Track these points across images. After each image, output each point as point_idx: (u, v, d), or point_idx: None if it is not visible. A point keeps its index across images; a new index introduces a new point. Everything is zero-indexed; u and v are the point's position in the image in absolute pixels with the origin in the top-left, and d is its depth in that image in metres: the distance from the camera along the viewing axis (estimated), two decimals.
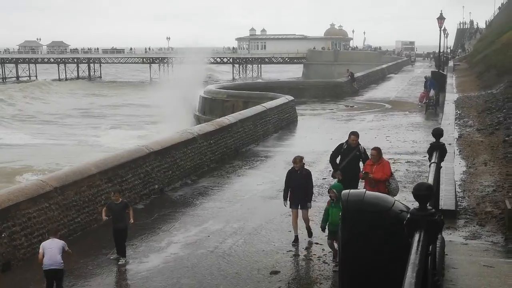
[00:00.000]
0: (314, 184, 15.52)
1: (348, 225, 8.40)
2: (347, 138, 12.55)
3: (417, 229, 3.44)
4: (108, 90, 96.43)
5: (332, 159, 12.54)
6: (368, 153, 11.94)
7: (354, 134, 12.48)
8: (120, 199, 10.40)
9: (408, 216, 3.54)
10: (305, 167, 11.24)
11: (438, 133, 6.42)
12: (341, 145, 12.63)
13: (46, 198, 11.01)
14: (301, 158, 11.18)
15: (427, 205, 3.54)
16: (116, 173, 13.46)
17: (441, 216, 6.14)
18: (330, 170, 16.94)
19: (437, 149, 6.02)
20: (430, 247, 3.93)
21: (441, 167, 6.35)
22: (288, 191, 11.14)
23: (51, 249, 8.67)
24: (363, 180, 11.29)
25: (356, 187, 11.67)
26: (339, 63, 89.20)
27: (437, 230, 3.64)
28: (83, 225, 12.05)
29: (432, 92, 30.82)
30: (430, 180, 4.85)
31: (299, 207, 11.02)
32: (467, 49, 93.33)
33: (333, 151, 12.67)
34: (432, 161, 5.69)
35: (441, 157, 6.07)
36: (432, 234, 3.52)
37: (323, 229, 9.97)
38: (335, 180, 12.18)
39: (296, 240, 11.03)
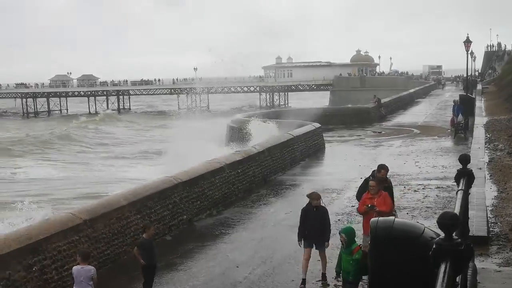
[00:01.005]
0: (342, 211, 15.51)
1: (377, 252, 8.34)
2: (375, 171, 11.89)
3: (443, 259, 3.38)
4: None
5: (359, 195, 11.64)
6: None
7: (384, 169, 11.85)
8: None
9: (434, 246, 3.50)
10: (324, 200, 10.87)
11: (465, 159, 6.35)
12: (368, 179, 11.80)
13: (76, 231, 11.12)
14: (319, 195, 10.59)
15: (453, 234, 3.49)
16: (145, 205, 13.54)
17: (471, 244, 6.05)
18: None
19: (465, 176, 5.94)
20: (459, 276, 3.86)
21: (469, 193, 6.25)
22: (303, 230, 10.50)
23: (81, 282, 8.71)
24: (363, 215, 10.56)
25: None
26: (366, 89, 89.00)
27: (464, 260, 3.59)
28: (112, 258, 12.11)
29: (460, 117, 30.56)
30: (457, 208, 4.79)
31: (314, 247, 10.48)
32: (497, 71, 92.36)
33: (360, 186, 11.93)
34: (460, 188, 5.61)
35: (469, 184, 5.99)
36: (459, 264, 3.46)
37: (337, 274, 9.40)
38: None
39: (303, 283, 10.35)
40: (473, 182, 6.20)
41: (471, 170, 6.24)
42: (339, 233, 9.13)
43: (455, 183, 15.70)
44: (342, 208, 15.93)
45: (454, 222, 3.53)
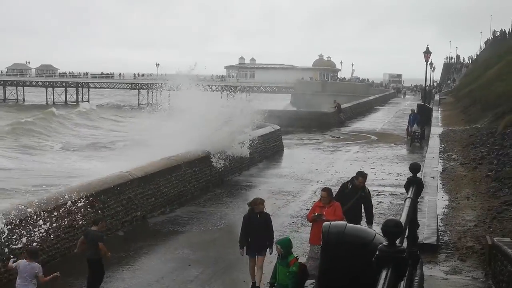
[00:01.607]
0: (297, 214, 15.57)
1: (328, 256, 8.41)
2: (353, 178, 11.55)
3: (385, 266, 3.43)
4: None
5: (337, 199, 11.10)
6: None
7: (362, 176, 11.54)
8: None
9: (377, 252, 3.54)
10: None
11: (415, 168, 6.46)
12: (345, 185, 11.61)
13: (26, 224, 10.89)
14: (263, 200, 10.17)
15: (396, 241, 3.54)
16: (98, 199, 13.36)
17: (417, 251, 6.18)
18: (314, 201, 16.99)
19: (414, 184, 6.04)
20: (405, 283, 3.92)
21: (418, 201, 6.36)
22: (245, 237, 10.05)
23: (25, 277, 8.59)
24: (311, 222, 10.15)
25: None
26: (327, 94, 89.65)
27: (406, 267, 3.64)
28: (62, 252, 11.91)
29: (415, 127, 31.11)
30: (404, 216, 4.86)
31: (257, 255, 9.99)
32: (457, 82, 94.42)
33: (337, 193, 11.40)
34: (408, 196, 5.70)
35: (418, 192, 6.09)
36: (400, 271, 3.51)
37: (271, 286, 8.92)
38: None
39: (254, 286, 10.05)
40: (422, 190, 6.30)
41: (421, 179, 6.35)
42: (276, 244, 8.77)
43: None
44: (297, 211, 16.02)
45: (397, 230, 3.58)
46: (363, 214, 11.70)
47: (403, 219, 4.67)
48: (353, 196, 11.32)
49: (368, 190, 11.76)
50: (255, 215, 10.02)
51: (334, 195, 11.20)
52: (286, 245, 8.45)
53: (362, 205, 11.53)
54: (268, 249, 10.02)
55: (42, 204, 11.57)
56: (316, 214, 9.84)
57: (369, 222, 11.56)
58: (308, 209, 15.95)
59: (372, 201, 16.97)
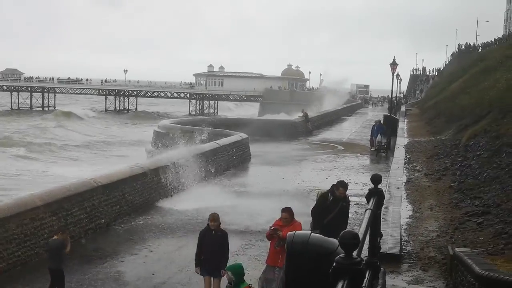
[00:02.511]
0: (260, 229, 15.44)
1: (292, 266, 8.43)
2: (333, 188, 10.96)
3: (341, 278, 3.45)
4: None
5: (316, 214, 10.86)
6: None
7: (343, 187, 10.89)
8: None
9: (333, 264, 3.57)
10: (220, 224, 9.59)
11: (376, 179, 6.53)
12: (325, 196, 10.99)
13: None
14: (216, 216, 9.56)
15: (353, 253, 3.57)
16: (61, 206, 13.17)
17: (377, 262, 6.22)
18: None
19: (375, 195, 6.10)
20: None
21: (381, 212, 6.42)
22: (199, 255, 9.59)
23: None
24: (269, 239, 9.39)
25: None
26: (295, 103, 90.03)
27: (362, 279, 3.67)
28: (23, 259, 11.69)
29: (379, 137, 31.52)
30: (363, 227, 4.91)
31: (212, 275, 9.54)
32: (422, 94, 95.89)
33: (316, 205, 11.03)
34: (369, 207, 5.76)
35: (379, 204, 6.15)
36: (356, 283, 3.54)
37: None
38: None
39: None
40: (384, 201, 6.36)
41: (381, 190, 6.41)
42: (225, 270, 7.99)
43: None
44: (261, 224, 15.97)
45: (354, 241, 3.60)
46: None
47: (362, 230, 4.70)
48: (335, 207, 10.74)
49: (348, 199, 11.24)
50: (210, 232, 9.51)
51: (313, 208, 11.14)
52: (237, 272, 7.53)
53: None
54: (221, 271, 9.23)
55: (2, 211, 11.36)
56: (272, 228, 9.17)
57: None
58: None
59: None
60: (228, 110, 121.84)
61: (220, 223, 9.60)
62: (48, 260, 9.83)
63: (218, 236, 9.50)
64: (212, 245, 9.43)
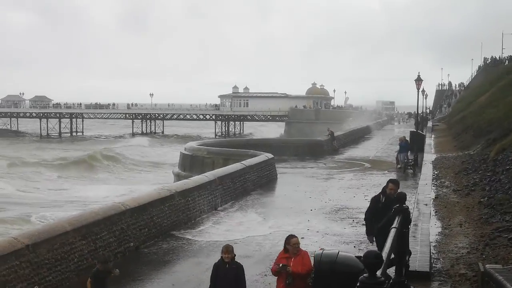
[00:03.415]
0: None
1: (320, 286, 8.42)
2: (383, 189, 10.42)
3: None
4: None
5: (368, 219, 10.26)
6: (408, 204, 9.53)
7: (393, 182, 10.38)
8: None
9: (358, 284, 3.58)
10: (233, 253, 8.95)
11: (401, 197, 6.51)
12: (377, 198, 10.30)
13: (17, 256, 10.84)
14: (229, 248, 8.92)
15: (377, 272, 3.58)
16: (90, 230, 13.32)
17: (405, 281, 6.19)
18: (308, 229, 16.99)
19: (400, 214, 6.08)
20: None
21: (406, 231, 6.36)
22: None
23: None
24: (276, 275, 8.64)
25: None
26: (321, 122, 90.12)
27: None
28: (54, 284, 11.83)
29: (402, 156, 31.48)
30: (387, 246, 4.89)
31: None
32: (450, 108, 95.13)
33: (368, 208, 10.36)
34: (393, 225, 5.74)
35: (404, 222, 6.12)
36: None
37: None
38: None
39: None
40: (410, 220, 6.32)
41: (407, 208, 6.38)
42: None
43: None
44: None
45: (377, 261, 3.62)
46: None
47: (386, 249, 4.69)
48: (388, 209, 9.46)
49: (405, 198, 9.90)
50: (224, 265, 8.87)
51: (365, 212, 10.35)
52: None
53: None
54: None
55: (33, 236, 11.53)
56: (280, 265, 8.38)
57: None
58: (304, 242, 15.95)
59: (365, 230, 17.12)
60: (254, 130, 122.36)
61: (235, 255, 8.99)
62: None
63: (233, 269, 8.85)
64: (227, 279, 8.79)
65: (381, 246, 9.38)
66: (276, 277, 8.65)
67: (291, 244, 8.41)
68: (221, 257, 8.92)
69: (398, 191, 7.75)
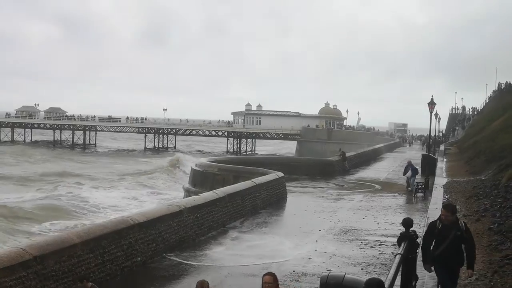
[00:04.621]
0: (287, 273, 15.30)
1: None
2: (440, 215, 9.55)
3: None
4: None
5: (425, 246, 9.23)
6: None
7: (446, 209, 9.42)
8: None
9: None
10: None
11: (407, 223, 6.49)
12: (433, 224, 9.41)
13: (24, 267, 10.89)
14: (207, 284, 8.53)
15: None
16: (98, 244, 13.36)
17: None
18: (316, 250, 16.95)
19: (406, 240, 6.06)
20: None
21: (413, 256, 6.31)
22: None
23: None
24: None
25: (455, 281, 9.55)
26: (332, 142, 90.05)
27: None
28: None
29: (411, 178, 31.71)
30: (391, 273, 4.88)
31: None
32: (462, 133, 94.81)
33: (425, 233, 9.54)
34: (399, 251, 5.72)
35: (411, 248, 6.10)
36: None
37: None
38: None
39: None
40: (418, 244, 6.27)
41: (413, 234, 6.36)
42: None
43: None
44: (294, 264, 15.88)
45: None
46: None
47: (390, 276, 4.69)
48: (446, 236, 9.15)
49: (465, 225, 9.55)
50: None
51: (423, 237, 9.49)
52: None
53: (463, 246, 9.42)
54: None
55: (41, 248, 11.59)
56: None
57: (470, 266, 9.66)
58: (305, 266, 15.89)
59: (374, 252, 17.05)
60: (265, 146, 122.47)
61: None
62: None
63: None
64: None
65: (440, 275, 9.23)
66: None
67: (263, 281, 7.68)
68: None
69: (404, 216, 7.65)
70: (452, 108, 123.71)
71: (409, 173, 32.35)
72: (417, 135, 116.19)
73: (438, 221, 9.41)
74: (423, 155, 44.03)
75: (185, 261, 15.65)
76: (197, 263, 15.52)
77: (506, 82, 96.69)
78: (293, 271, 14.68)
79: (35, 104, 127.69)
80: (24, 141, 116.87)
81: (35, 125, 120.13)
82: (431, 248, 9.29)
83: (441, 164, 45.58)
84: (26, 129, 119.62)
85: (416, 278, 10.11)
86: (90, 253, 12.93)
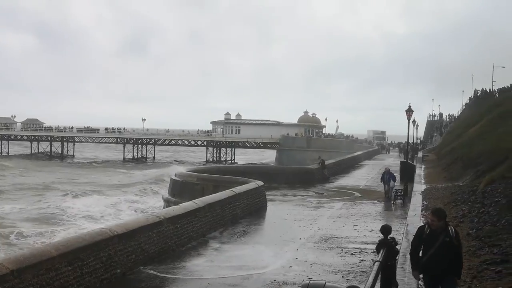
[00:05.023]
0: (269, 282, 15.26)
1: None
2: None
3: None
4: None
5: (414, 251, 8.99)
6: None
7: (433, 214, 8.99)
8: None
9: None
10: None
11: (386, 229, 6.52)
12: (422, 228, 9.15)
13: (1, 281, 10.72)
14: None
15: None
16: (77, 256, 13.20)
17: None
18: (296, 258, 16.94)
19: (385, 247, 6.08)
20: None
21: (393, 263, 6.33)
22: None
23: None
24: None
25: None
26: (312, 150, 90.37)
27: None
28: None
29: (392, 183, 32.06)
30: (370, 280, 4.89)
31: None
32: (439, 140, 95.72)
33: (414, 238, 9.24)
34: (377, 259, 5.74)
35: (389, 255, 6.12)
36: None
37: None
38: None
39: None
40: (397, 250, 6.30)
41: (392, 241, 6.38)
42: None
43: None
44: (278, 269, 15.85)
45: None
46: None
47: (368, 284, 4.70)
48: (433, 242, 8.84)
49: (455, 231, 9.12)
50: None
51: (412, 242, 9.23)
52: None
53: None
54: None
55: (18, 261, 11.42)
56: None
57: (456, 274, 9.28)
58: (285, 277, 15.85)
59: (354, 259, 17.08)
60: (244, 155, 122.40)
61: None
62: None
63: None
64: None
65: (425, 283, 8.96)
66: None
67: None
68: None
69: (383, 223, 7.66)
70: (430, 115, 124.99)
71: (388, 180, 32.66)
72: (396, 142, 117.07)
73: (426, 226, 9.12)
74: (401, 162, 44.40)
75: (163, 274, 15.55)
76: (175, 276, 15.41)
77: (482, 89, 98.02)
78: (274, 280, 14.65)
79: (12, 116, 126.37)
80: (1, 153, 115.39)
81: (12, 137, 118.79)
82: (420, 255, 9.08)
83: (420, 171, 45.93)
84: (3, 141, 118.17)
85: (396, 285, 10.14)
86: (68, 266, 12.77)
